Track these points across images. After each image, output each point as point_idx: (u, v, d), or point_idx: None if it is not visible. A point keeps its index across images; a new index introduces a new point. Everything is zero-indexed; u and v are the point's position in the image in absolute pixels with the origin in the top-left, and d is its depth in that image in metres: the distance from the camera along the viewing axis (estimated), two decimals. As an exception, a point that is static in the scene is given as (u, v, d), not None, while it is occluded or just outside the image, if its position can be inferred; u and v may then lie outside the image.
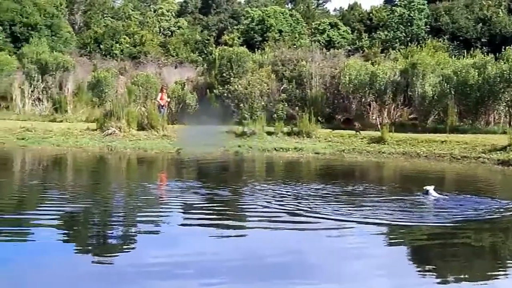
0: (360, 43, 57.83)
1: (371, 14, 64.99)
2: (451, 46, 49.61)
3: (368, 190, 15.07)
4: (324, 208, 12.36)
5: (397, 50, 44.53)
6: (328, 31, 59.45)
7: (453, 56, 33.53)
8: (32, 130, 26.32)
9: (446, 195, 14.08)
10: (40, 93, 32.17)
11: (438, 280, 8.35)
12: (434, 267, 9.01)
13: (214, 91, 30.08)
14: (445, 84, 27.61)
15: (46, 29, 54.29)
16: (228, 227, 11.03)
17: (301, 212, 11.96)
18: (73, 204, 12.95)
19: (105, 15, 67.99)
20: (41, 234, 10.14)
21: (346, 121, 28.78)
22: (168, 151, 23.61)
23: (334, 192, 14.59)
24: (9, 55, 35.33)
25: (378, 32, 58.36)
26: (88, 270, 8.38)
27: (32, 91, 32.07)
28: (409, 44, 41.80)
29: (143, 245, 9.77)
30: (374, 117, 28.87)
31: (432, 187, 14.01)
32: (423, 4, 56.85)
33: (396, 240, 10.48)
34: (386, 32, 57.06)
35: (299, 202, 12.94)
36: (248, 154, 23.60)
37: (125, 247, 9.74)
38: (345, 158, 22.93)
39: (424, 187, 14.11)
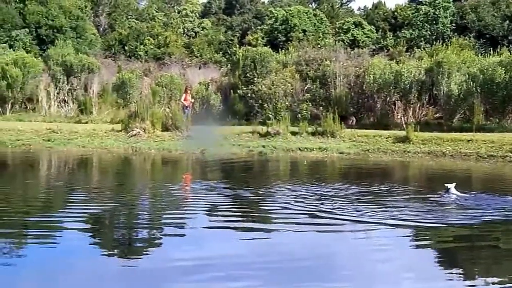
0: (385, 42, 57.58)
1: (395, 13, 64.68)
2: (477, 44, 49.16)
3: (393, 190, 14.94)
4: (349, 209, 12.27)
5: (422, 49, 44.18)
6: (352, 30, 59.25)
7: (479, 54, 33.17)
8: (58, 132, 26.52)
9: (469, 194, 13.93)
10: (66, 94, 32.42)
11: (467, 282, 8.22)
12: (461, 269, 8.89)
13: (238, 91, 30.06)
14: (471, 82, 27.34)
15: (71, 31, 54.76)
16: (253, 228, 10.99)
17: (326, 213, 11.87)
18: (99, 205, 13.01)
19: (129, 16, 68.38)
20: (67, 236, 10.19)
21: (341, 118, 28.62)
22: (192, 152, 23.64)
23: (359, 192, 14.48)
24: (35, 57, 35.60)
25: (403, 31, 58.07)
26: (114, 271, 8.40)
27: (57, 93, 32.34)
28: (434, 42, 41.44)
29: (169, 246, 9.77)
30: (399, 116, 28.67)
31: (453, 184, 13.89)
32: (449, 2, 56.43)
33: (422, 242, 10.33)
34: (411, 31, 56.75)
35: (324, 203, 12.87)
36: (272, 154, 23.55)
37: (150, 248, 9.74)
38: (370, 158, 22.79)
39: (445, 185, 13.98)
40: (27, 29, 53.78)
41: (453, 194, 13.69)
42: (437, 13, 55.61)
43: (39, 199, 14.12)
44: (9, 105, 31.79)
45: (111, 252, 9.51)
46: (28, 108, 32.34)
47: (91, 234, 10.50)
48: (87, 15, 60.91)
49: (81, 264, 8.73)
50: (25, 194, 14.77)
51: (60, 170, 20.41)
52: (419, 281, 8.18)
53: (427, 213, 11.97)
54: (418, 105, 28.69)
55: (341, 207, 12.43)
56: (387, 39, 58.72)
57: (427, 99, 28.92)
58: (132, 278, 8.16)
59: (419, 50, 43.83)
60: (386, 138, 25.08)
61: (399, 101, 28.94)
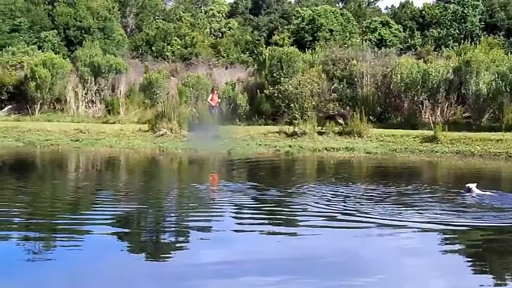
0: (412, 41, 57.23)
1: (423, 12, 64.28)
2: (506, 42, 48.59)
3: (421, 190, 14.81)
4: (376, 209, 12.20)
5: (450, 48, 43.80)
6: (380, 30, 58.98)
7: (509, 53, 32.74)
8: (86, 132, 26.74)
9: (492, 192, 13.78)
10: (93, 95, 32.66)
11: (498, 282, 8.12)
12: (491, 270, 8.78)
13: (265, 91, 30.04)
14: (500, 81, 27.01)
15: (99, 32, 55.19)
16: (280, 229, 10.97)
17: (353, 213, 11.82)
18: (127, 205, 13.08)
19: (156, 17, 68.71)
20: (95, 236, 10.25)
21: (329, 117, 28.50)
22: (219, 152, 23.67)
23: (386, 193, 14.38)
24: (64, 58, 35.88)
25: (430, 30, 57.66)
26: (142, 271, 8.44)
27: (85, 94, 32.58)
28: (463, 41, 41.04)
29: (195, 247, 9.78)
30: (426, 116, 28.41)
31: (475, 184, 13.79)
32: (477, 0, 55.82)
33: (451, 243, 10.22)
34: (439, 30, 56.29)
35: (351, 203, 12.82)
36: (299, 154, 23.47)
37: (177, 249, 9.76)
38: (397, 158, 22.62)
39: (466, 185, 13.87)
40: (55, 30, 54.34)
41: (475, 193, 13.58)
42: (465, 11, 55.08)
43: (67, 199, 14.24)
44: (38, 106, 32.08)
45: (139, 253, 9.55)
46: (57, 108, 32.60)
47: (119, 234, 10.55)
48: (115, 16, 61.31)
49: (108, 265, 8.78)
50: (53, 194, 14.91)
51: (88, 170, 20.56)
52: (449, 284, 8.10)
53: (455, 214, 11.85)
54: (446, 105, 28.42)
55: (368, 207, 12.36)
56: (415, 38, 58.36)
57: (455, 99, 28.63)
58: (159, 278, 8.18)
59: (447, 49, 43.45)
60: (414, 138, 24.89)
61: (426, 101, 28.69)
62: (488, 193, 13.72)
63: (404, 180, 16.61)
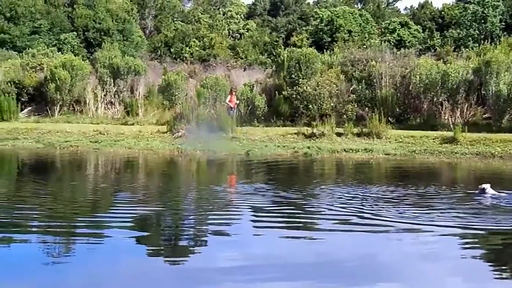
0: (432, 42, 56.86)
1: (443, 12, 63.83)
2: (527, 43, 48.06)
3: (441, 192, 14.71)
4: (395, 211, 12.13)
5: (470, 48, 43.45)
6: (399, 30, 58.65)
7: (529, 54, 32.40)
8: (105, 133, 26.89)
9: (506, 193, 13.67)
10: (112, 96, 32.82)
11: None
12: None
13: (283, 92, 30.00)
14: (521, 82, 26.80)
15: (118, 34, 55.45)
16: (297, 230, 10.95)
17: (372, 215, 11.75)
18: (145, 206, 13.11)
19: (175, 19, 68.87)
20: (114, 237, 10.30)
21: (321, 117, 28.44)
22: (237, 153, 23.67)
23: (405, 194, 14.30)
24: (83, 60, 36.09)
25: (450, 30, 57.23)
26: (160, 273, 8.45)
27: (104, 95, 32.75)
28: (483, 42, 40.70)
29: (214, 247, 9.79)
30: (446, 117, 28.24)
31: (488, 185, 13.74)
32: (498, 1, 55.34)
33: (470, 246, 10.11)
34: (458, 30, 55.87)
35: (370, 206, 12.75)
36: (317, 155, 23.41)
37: (195, 249, 9.77)
38: (416, 159, 22.49)
39: (480, 186, 13.81)
40: (75, 32, 54.67)
41: (490, 194, 13.51)
42: (486, 12, 54.61)
43: (87, 200, 14.31)
44: (58, 107, 32.31)
45: (157, 253, 9.56)
46: (76, 110, 32.80)
47: (137, 236, 10.58)
48: (134, 17, 61.56)
49: (126, 267, 8.79)
50: (73, 196, 14.98)
51: (107, 172, 20.64)
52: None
53: (475, 216, 11.75)
54: (466, 106, 28.23)
55: (387, 210, 12.29)
56: (434, 39, 57.96)
57: (475, 99, 28.44)
58: (177, 281, 8.19)
59: (467, 49, 43.08)
60: (433, 139, 24.75)
61: (446, 102, 28.51)
62: (503, 194, 13.63)
63: (423, 181, 16.48)
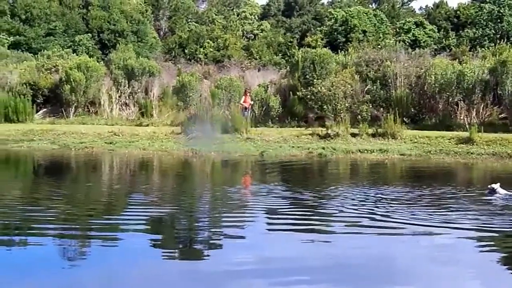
0: (447, 41, 56.56)
1: (458, 12, 63.49)
2: (543, 42, 47.69)
3: (456, 193, 14.59)
4: (410, 212, 12.05)
5: (486, 48, 43.16)
6: (414, 30, 58.39)
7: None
8: (120, 134, 26.96)
9: None
10: (127, 98, 32.94)
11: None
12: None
13: (297, 93, 29.94)
14: (538, 82, 26.59)
15: (133, 35, 55.63)
16: (312, 231, 10.89)
17: (387, 217, 11.67)
18: (160, 208, 13.11)
19: (189, 20, 68.98)
20: (129, 238, 10.31)
21: (318, 119, 28.30)
22: (251, 154, 23.64)
23: (420, 195, 14.21)
24: (98, 61, 36.24)
25: (465, 30, 56.91)
26: (175, 274, 8.45)
27: (119, 96, 32.87)
28: (499, 41, 40.43)
29: (228, 249, 9.76)
30: (462, 117, 28.08)
31: (498, 184, 13.73)
32: (514, -1, 54.93)
33: (487, 247, 10.00)
34: (474, 30, 55.52)
35: (385, 207, 12.67)
36: (332, 156, 23.33)
37: (210, 251, 9.74)
38: (432, 160, 22.35)
39: (490, 186, 13.80)
40: (90, 34, 54.90)
41: (501, 193, 13.44)
42: (501, 11, 54.23)
43: (102, 201, 14.32)
44: (73, 109, 32.46)
45: (172, 255, 9.54)
46: (91, 111, 32.95)
47: (152, 237, 10.58)
48: (148, 19, 61.73)
49: (141, 267, 8.78)
50: (88, 196, 15.01)
51: (121, 173, 20.69)
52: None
53: (491, 217, 11.64)
54: (482, 106, 28.06)
55: (402, 211, 12.22)
56: (450, 38, 57.65)
57: (491, 99, 28.26)
58: (191, 281, 8.17)
59: (483, 49, 42.80)
60: (449, 139, 24.59)
61: (462, 102, 28.36)
62: None
63: (439, 182, 16.37)
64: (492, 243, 10.28)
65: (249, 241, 10.29)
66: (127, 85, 32.96)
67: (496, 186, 13.70)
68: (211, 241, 10.37)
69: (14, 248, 9.76)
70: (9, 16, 54.84)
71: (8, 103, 31.54)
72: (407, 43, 50.75)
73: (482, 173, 20.64)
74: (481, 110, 28.04)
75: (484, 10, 55.39)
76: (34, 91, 32.95)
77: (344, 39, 56.40)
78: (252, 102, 29.32)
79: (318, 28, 64.31)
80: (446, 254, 9.38)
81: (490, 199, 13.40)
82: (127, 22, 56.40)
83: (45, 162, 23.02)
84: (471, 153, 22.92)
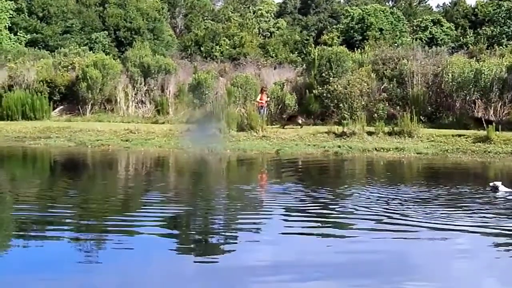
0: (465, 39, 56.23)
1: (476, 10, 63.09)
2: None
3: (473, 192, 14.48)
4: (426, 212, 11.97)
5: (504, 46, 42.86)
6: (431, 28, 58.17)
7: None
8: (136, 132, 27.01)
9: None
10: (143, 95, 33.00)
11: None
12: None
13: (313, 91, 29.86)
14: (556, 80, 26.34)
15: (149, 33, 55.81)
16: (328, 229, 10.87)
17: (403, 216, 11.62)
18: (176, 205, 13.13)
19: (205, 17, 69.10)
20: (145, 237, 10.32)
21: (290, 118, 28.15)
22: (267, 152, 23.61)
23: (436, 194, 14.13)
24: (114, 59, 36.34)
25: (483, 28, 56.54)
26: (192, 271, 8.45)
27: (135, 94, 32.94)
28: (517, 39, 40.14)
29: (245, 247, 9.76)
30: (479, 116, 27.85)
31: (500, 182, 13.94)
32: (532, -3, 54.56)
33: (505, 248, 9.90)
34: (492, 28, 55.14)
35: (401, 206, 12.62)
36: (348, 154, 23.24)
37: (226, 249, 9.75)
38: (449, 158, 22.20)
39: (491, 184, 14.04)
40: (106, 32, 55.15)
41: (503, 191, 13.66)
42: (520, 9, 53.88)
43: (118, 200, 14.36)
44: (89, 106, 32.57)
45: (188, 253, 9.54)
46: (107, 109, 33.04)
47: (168, 235, 10.59)
48: (164, 16, 61.91)
49: (157, 265, 8.80)
50: (104, 195, 15.06)
51: (137, 170, 20.74)
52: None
53: (509, 217, 11.54)
54: (500, 104, 27.82)
55: (418, 210, 12.16)
56: (467, 36, 57.32)
57: (509, 98, 28.01)
58: (208, 279, 8.17)
59: (501, 47, 42.50)
60: (466, 138, 24.40)
61: (479, 100, 28.14)
62: None
63: (455, 181, 16.25)
64: (509, 243, 10.18)
65: (266, 238, 10.28)
66: (143, 83, 33.02)
67: (498, 184, 13.95)
68: (228, 239, 10.37)
69: (30, 246, 9.80)
70: (26, 14, 55.23)
71: (25, 100, 31.70)
72: (424, 41, 50.50)
73: (499, 173, 20.46)
74: (498, 109, 27.83)
75: (503, 7, 55.03)
76: (51, 88, 33.09)
77: (360, 37, 56.27)
78: (268, 99, 29.27)
79: (335, 26, 64.21)
80: (462, 256, 9.31)
81: (494, 196, 13.42)
82: (143, 20, 56.58)
83: (62, 159, 23.14)
84: (489, 152, 22.72)
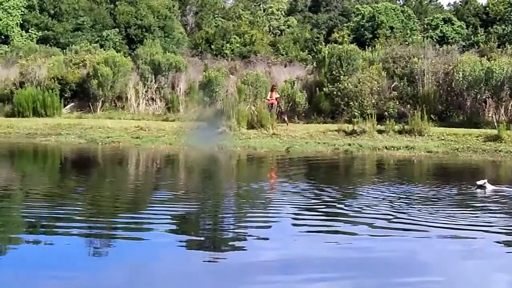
0: (476, 38, 56.01)
1: (487, 8, 62.81)
2: None
3: (483, 192, 14.46)
4: (435, 210, 11.96)
5: (515, 45, 42.62)
6: (441, 27, 57.97)
7: None
8: (146, 129, 27.08)
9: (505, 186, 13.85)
10: (154, 93, 33.09)
11: None
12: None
13: (324, 89, 29.85)
14: None
15: (160, 31, 55.89)
16: (338, 228, 10.84)
17: (412, 215, 11.60)
18: (185, 203, 13.15)
19: (216, 15, 69.13)
20: (154, 234, 10.32)
21: (279, 115, 28.23)
22: (277, 150, 23.62)
23: (446, 194, 14.10)
24: (125, 56, 36.42)
25: (494, 27, 56.31)
26: (201, 270, 8.47)
27: (146, 91, 33.02)
28: (528, 38, 39.94)
29: (254, 245, 9.76)
30: (490, 114, 27.77)
31: (485, 180, 14.19)
32: (544, -4, 54.29)
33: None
34: (503, 26, 54.92)
35: (410, 204, 12.60)
36: (358, 152, 23.22)
37: (236, 247, 9.75)
38: (459, 157, 22.15)
39: (477, 182, 14.25)
40: (117, 29, 55.27)
41: (489, 189, 14.01)
42: (531, 8, 53.66)
43: (128, 196, 14.41)
44: (100, 103, 32.69)
45: (197, 252, 9.55)
46: (118, 106, 33.15)
47: (178, 232, 10.62)
48: (175, 14, 61.98)
49: (167, 263, 8.82)
50: (114, 192, 15.09)
51: (148, 168, 20.80)
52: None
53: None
54: (511, 103, 27.71)
55: (427, 209, 12.13)
56: (478, 35, 57.09)
57: (520, 97, 27.91)
58: (217, 277, 8.18)
59: (512, 46, 42.30)
60: (476, 136, 24.32)
61: (490, 99, 28.05)
62: (505, 188, 13.70)
63: (466, 180, 16.20)
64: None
65: (275, 237, 10.28)
66: (153, 80, 33.11)
67: (483, 182, 14.25)
68: (237, 238, 10.37)
69: (40, 244, 9.84)
70: (38, 11, 55.45)
71: (36, 97, 31.84)
72: (435, 40, 50.36)
73: (510, 172, 20.40)
74: (509, 108, 27.72)
75: (514, 6, 54.78)
76: (62, 85, 33.21)
77: (371, 35, 56.18)
78: (278, 96, 29.26)
79: (345, 24, 64.10)
80: (472, 254, 9.30)
81: (481, 194, 13.68)
82: (154, 17, 56.67)
83: (72, 156, 23.23)
84: (499, 151, 22.67)
